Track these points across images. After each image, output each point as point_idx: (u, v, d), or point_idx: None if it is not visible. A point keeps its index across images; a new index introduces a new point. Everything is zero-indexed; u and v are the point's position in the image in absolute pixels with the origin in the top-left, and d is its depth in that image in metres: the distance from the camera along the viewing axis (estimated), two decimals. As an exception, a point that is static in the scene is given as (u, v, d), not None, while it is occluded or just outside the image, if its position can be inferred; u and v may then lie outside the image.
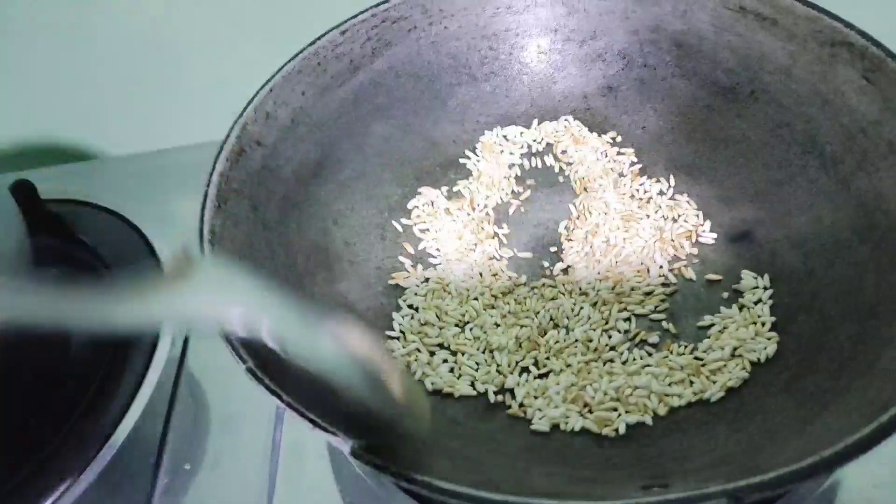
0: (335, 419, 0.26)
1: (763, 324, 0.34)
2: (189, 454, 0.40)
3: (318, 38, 0.40)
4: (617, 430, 0.31)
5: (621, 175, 0.43)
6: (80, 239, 0.51)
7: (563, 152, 0.44)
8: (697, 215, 0.40)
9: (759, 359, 0.32)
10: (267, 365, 0.28)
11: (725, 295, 0.37)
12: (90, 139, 0.61)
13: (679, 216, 0.40)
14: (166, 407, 0.42)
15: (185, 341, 0.44)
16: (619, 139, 0.44)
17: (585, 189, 0.42)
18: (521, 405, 0.33)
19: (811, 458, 0.22)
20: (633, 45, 0.44)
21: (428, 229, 0.41)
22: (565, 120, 0.45)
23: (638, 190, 0.42)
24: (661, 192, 0.41)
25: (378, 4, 0.42)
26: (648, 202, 0.41)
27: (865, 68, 0.35)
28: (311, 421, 0.25)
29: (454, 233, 0.41)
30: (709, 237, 0.39)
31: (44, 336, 0.42)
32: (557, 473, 0.28)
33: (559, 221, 0.42)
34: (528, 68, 0.45)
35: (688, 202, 0.41)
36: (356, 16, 0.42)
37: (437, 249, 0.41)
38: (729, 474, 0.23)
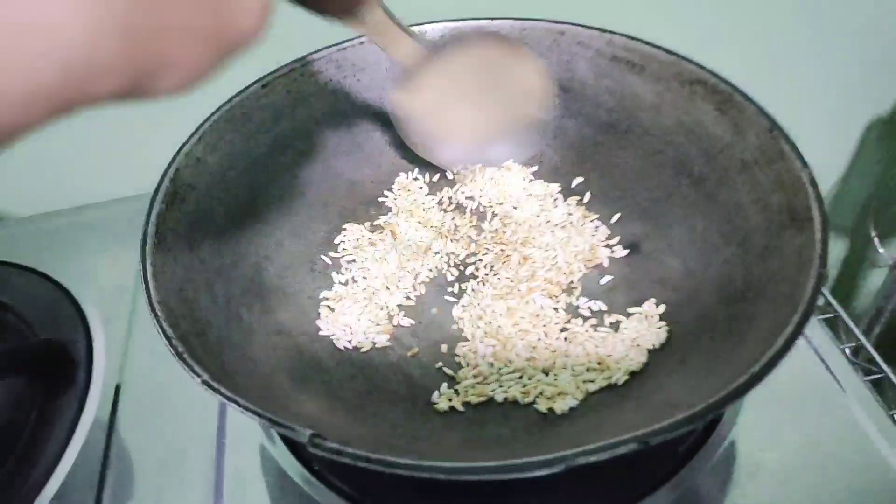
0: (289, 417, 0.28)
1: (655, 317, 0.39)
2: (127, 500, 0.40)
3: (242, 91, 0.44)
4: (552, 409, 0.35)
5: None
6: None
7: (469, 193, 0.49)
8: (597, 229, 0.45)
9: (653, 345, 0.37)
10: (220, 378, 0.30)
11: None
12: (-1, 200, 0.60)
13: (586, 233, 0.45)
14: (100, 457, 0.42)
15: (117, 389, 0.45)
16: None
17: (495, 214, 0.47)
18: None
19: (699, 405, 0.27)
20: (526, 92, 0.49)
21: (354, 260, 0.44)
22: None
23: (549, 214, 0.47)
24: (568, 213, 0.46)
25: (296, 61, 0.46)
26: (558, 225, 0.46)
27: (718, 101, 0.41)
28: (269, 419, 0.28)
29: (379, 260, 0.44)
30: (617, 250, 0.44)
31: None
32: (493, 455, 0.31)
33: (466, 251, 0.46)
34: (436, 114, 0.50)
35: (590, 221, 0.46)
36: (276, 70, 0.45)
37: (364, 278, 0.44)
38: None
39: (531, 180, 0.49)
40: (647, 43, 0.44)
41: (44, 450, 0.42)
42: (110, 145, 0.57)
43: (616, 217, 0.45)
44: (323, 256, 0.45)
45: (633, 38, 0.45)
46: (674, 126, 0.44)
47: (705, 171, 0.42)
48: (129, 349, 0.47)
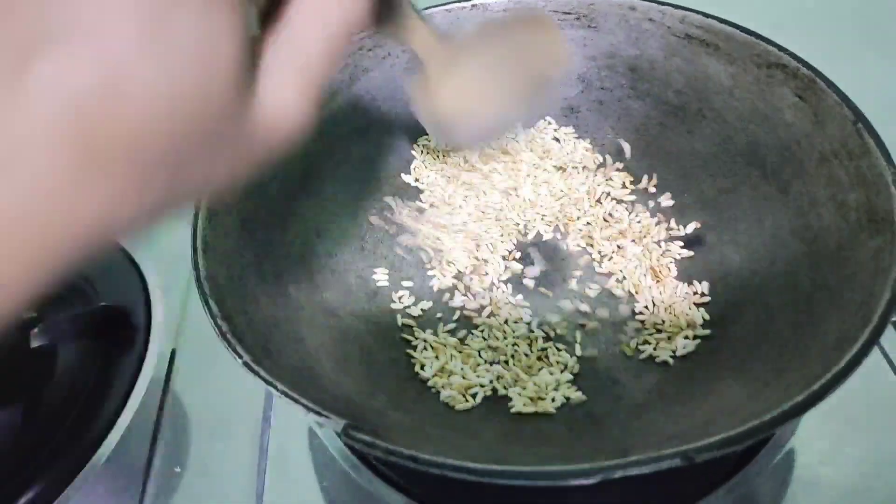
0: (324, 406, 0.28)
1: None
2: (178, 459, 0.41)
3: (300, 65, 0.43)
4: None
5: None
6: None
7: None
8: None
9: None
10: (261, 359, 0.30)
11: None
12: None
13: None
14: (154, 418, 0.43)
15: (172, 354, 0.46)
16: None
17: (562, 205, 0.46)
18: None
19: (751, 422, 0.25)
20: (591, 70, 0.47)
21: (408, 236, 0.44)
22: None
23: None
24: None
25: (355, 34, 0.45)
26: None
27: (798, 87, 0.38)
28: (305, 406, 0.28)
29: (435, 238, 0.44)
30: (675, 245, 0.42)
31: (32, 352, 0.44)
32: (531, 452, 0.30)
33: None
34: (496, 91, 0.49)
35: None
36: (335, 43, 0.44)
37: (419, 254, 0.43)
38: (683, 444, 0.25)
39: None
40: (724, 21, 0.41)
41: (103, 408, 0.44)
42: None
43: (679, 206, 0.43)
44: (373, 234, 0.44)
45: (708, 16, 0.42)
46: (747, 112, 0.41)
47: (778, 162, 0.39)
48: (185, 316, 0.48)
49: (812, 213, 0.36)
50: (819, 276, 0.34)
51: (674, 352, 0.37)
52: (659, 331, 0.39)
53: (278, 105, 0.18)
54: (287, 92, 0.19)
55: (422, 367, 0.37)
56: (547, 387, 0.36)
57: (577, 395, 0.36)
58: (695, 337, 0.37)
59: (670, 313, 0.39)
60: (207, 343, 0.47)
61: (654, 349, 0.37)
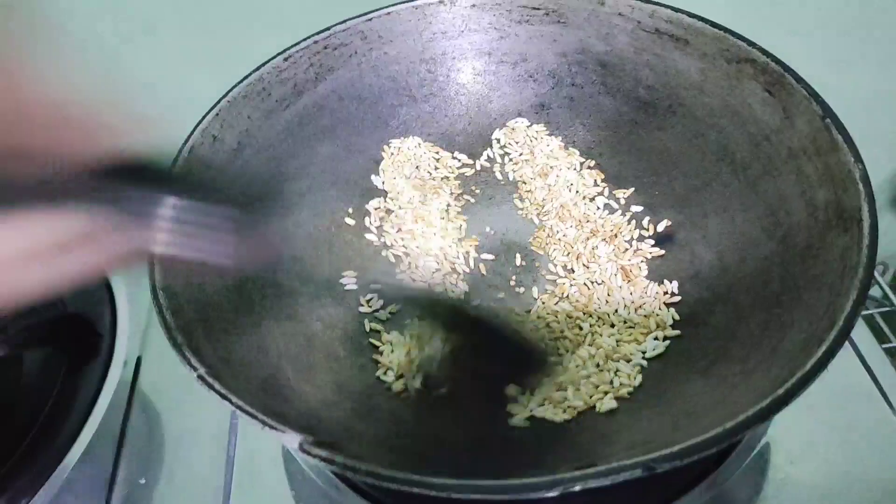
0: (284, 419, 0.27)
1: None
2: (144, 469, 0.40)
3: (263, 65, 0.42)
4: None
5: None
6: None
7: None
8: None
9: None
10: (218, 372, 0.29)
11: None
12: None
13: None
14: (119, 426, 0.42)
15: (138, 361, 0.45)
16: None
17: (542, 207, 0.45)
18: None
19: (714, 430, 0.25)
20: (561, 66, 0.47)
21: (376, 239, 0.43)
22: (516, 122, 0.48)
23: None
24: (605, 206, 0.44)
25: (320, 32, 0.44)
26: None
27: (767, 82, 0.38)
28: (262, 421, 0.27)
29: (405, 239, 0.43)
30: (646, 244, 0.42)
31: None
32: (499, 461, 0.30)
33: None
34: (465, 89, 0.48)
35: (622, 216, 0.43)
36: (298, 43, 0.43)
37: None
38: (648, 450, 0.25)
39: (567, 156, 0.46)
40: (694, 16, 0.41)
41: (68, 418, 0.43)
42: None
43: (649, 203, 0.43)
44: (342, 236, 0.43)
45: (678, 10, 0.41)
46: (718, 107, 0.40)
47: (748, 157, 0.39)
48: (151, 323, 0.47)
49: (781, 211, 0.36)
50: (788, 274, 0.33)
51: (643, 353, 0.36)
52: (630, 331, 0.38)
53: None
54: None
55: (385, 372, 0.37)
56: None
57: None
58: (665, 338, 0.37)
59: (640, 314, 0.38)
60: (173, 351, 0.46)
61: (626, 351, 0.37)
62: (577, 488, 0.24)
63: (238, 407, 0.27)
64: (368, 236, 0.44)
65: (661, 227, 0.42)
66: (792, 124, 0.36)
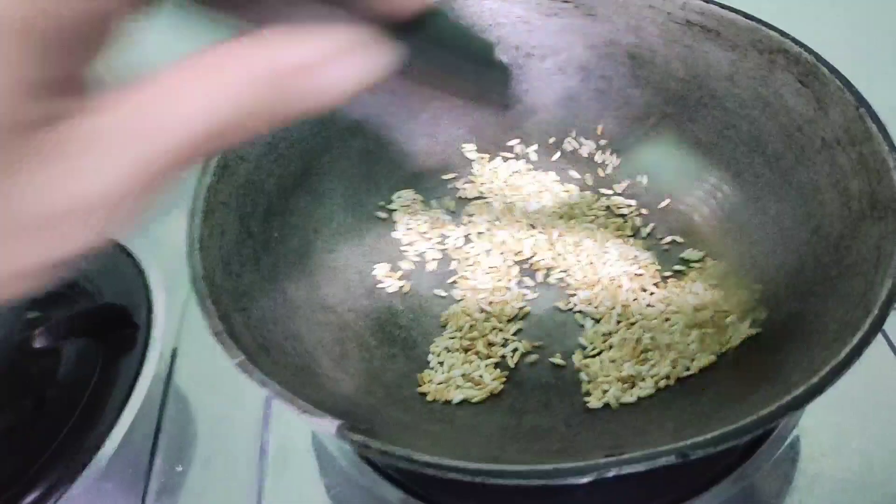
0: (321, 405, 0.28)
1: None
2: (180, 457, 0.41)
3: (296, 60, 0.43)
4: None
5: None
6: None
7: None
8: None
9: None
10: (257, 360, 0.30)
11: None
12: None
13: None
14: (156, 415, 0.43)
15: (174, 353, 0.46)
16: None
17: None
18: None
19: (748, 417, 0.25)
20: (590, 59, 0.47)
21: (407, 232, 0.44)
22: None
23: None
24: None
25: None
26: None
27: (800, 73, 0.38)
28: (301, 407, 0.27)
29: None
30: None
31: (35, 352, 0.44)
32: (528, 449, 0.30)
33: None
34: (494, 82, 0.48)
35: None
36: (330, 38, 0.44)
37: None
38: (681, 438, 0.25)
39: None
40: (725, 6, 0.41)
41: (105, 407, 0.44)
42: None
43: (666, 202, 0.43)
44: (372, 230, 0.44)
45: (708, 1, 0.41)
46: (750, 98, 0.40)
47: (781, 148, 0.38)
48: (186, 314, 0.48)
49: (814, 201, 0.35)
50: (821, 264, 0.33)
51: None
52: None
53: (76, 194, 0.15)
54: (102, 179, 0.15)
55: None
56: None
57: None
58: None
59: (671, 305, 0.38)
60: (208, 341, 0.47)
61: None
62: (611, 474, 0.24)
63: (278, 393, 0.28)
64: (394, 234, 0.44)
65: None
66: (825, 114, 0.36)
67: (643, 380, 0.34)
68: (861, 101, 0.34)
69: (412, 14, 0.20)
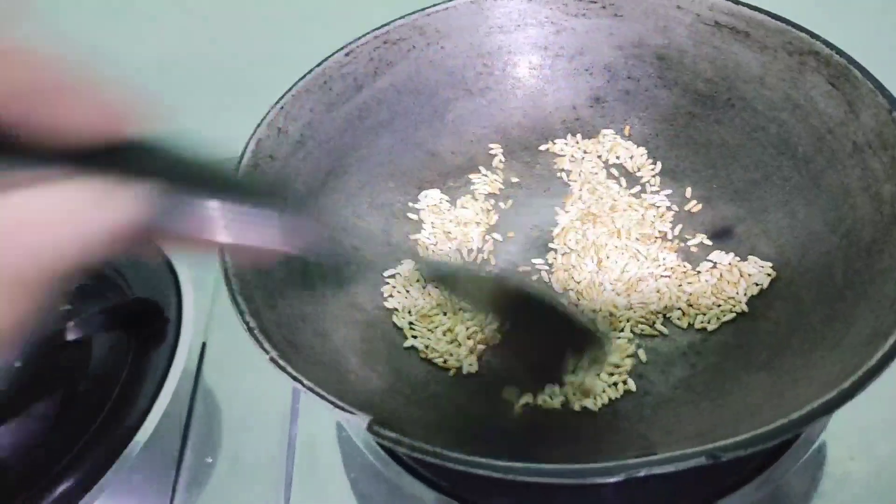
0: (350, 401, 0.28)
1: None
2: (209, 450, 0.42)
3: (325, 60, 0.43)
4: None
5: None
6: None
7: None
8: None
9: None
10: (287, 356, 0.30)
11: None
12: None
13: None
14: (186, 408, 0.44)
15: (203, 347, 0.47)
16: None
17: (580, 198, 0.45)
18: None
19: (779, 421, 0.25)
20: (617, 60, 0.47)
21: (432, 232, 0.44)
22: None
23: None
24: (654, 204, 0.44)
25: (379, 28, 0.45)
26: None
27: (831, 75, 0.37)
28: (332, 402, 0.28)
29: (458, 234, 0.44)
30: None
31: (67, 345, 0.45)
32: (558, 447, 0.30)
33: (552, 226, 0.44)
34: (521, 83, 0.48)
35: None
36: (359, 38, 0.44)
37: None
38: (710, 440, 0.25)
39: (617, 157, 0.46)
40: (754, 7, 0.41)
41: (136, 400, 0.44)
42: (201, 112, 0.59)
43: (707, 197, 0.43)
44: (399, 228, 0.44)
45: (738, 3, 0.41)
46: (779, 100, 0.40)
47: (811, 151, 0.38)
48: (215, 309, 0.49)
49: (845, 205, 0.35)
50: (852, 269, 0.33)
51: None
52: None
53: None
54: None
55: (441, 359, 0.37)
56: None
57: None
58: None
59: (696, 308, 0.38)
60: (237, 336, 0.47)
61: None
62: (641, 474, 0.24)
63: (310, 388, 0.28)
64: (420, 234, 0.45)
65: (719, 221, 0.41)
66: (857, 118, 0.36)
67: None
68: (894, 104, 0.34)
69: (104, 142, 0.18)
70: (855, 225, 0.34)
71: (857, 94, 0.36)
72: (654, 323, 0.38)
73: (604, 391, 0.34)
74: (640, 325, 0.38)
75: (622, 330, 0.38)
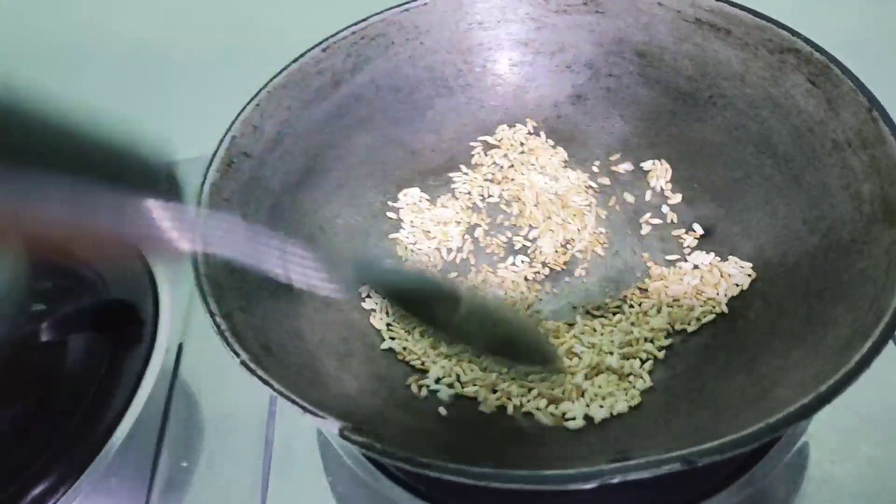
0: (322, 406, 0.28)
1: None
2: (185, 453, 0.41)
3: (301, 56, 0.43)
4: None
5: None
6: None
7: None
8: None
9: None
10: (259, 359, 0.30)
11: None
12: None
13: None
14: (161, 411, 0.43)
15: (179, 348, 0.46)
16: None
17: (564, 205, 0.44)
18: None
19: (757, 425, 0.24)
20: (598, 57, 0.46)
21: (412, 231, 0.44)
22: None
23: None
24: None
25: (357, 23, 0.44)
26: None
27: (811, 73, 0.37)
28: (302, 407, 0.27)
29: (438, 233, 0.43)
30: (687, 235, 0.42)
31: (42, 346, 0.44)
32: (533, 454, 0.30)
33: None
34: (501, 80, 0.48)
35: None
36: (336, 34, 0.44)
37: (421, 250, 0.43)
38: (688, 444, 0.25)
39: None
40: (735, 4, 0.40)
41: (112, 401, 0.44)
42: (174, 107, 0.58)
43: (688, 197, 0.42)
44: (378, 227, 0.44)
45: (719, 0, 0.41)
46: (759, 98, 0.40)
47: (791, 150, 0.38)
48: (192, 310, 0.48)
49: (825, 204, 0.35)
50: (832, 269, 0.33)
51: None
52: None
53: None
54: None
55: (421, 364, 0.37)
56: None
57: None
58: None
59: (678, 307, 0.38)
60: (214, 337, 0.47)
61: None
62: (615, 480, 0.24)
63: (280, 392, 0.28)
64: (400, 233, 0.44)
65: (700, 220, 0.41)
66: (837, 116, 0.35)
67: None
68: (874, 102, 0.34)
69: None
70: (835, 224, 0.34)
71: (837, 92, 0.36)
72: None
73: (581, 396, 0.34)
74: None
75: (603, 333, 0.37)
